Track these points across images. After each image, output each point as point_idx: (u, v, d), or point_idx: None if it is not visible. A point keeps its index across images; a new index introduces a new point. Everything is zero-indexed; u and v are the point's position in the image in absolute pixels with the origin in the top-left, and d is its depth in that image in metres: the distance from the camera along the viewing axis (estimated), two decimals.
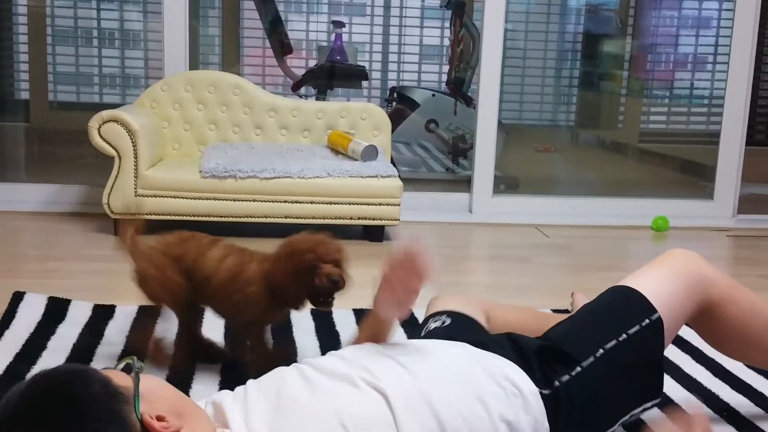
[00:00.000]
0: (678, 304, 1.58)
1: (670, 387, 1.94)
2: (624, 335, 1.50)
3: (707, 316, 1.63)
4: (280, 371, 1.39)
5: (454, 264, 3.23)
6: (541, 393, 1.40)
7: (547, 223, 3.85)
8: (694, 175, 4.87)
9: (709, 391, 1.95)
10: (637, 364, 1.50)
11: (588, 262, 3.27)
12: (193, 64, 3.90)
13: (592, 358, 1.46)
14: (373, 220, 3.36)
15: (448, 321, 1.74)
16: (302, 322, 2.32)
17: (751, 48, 4.05)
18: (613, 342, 1.49)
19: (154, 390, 1.17)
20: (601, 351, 1.47)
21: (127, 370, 1.20)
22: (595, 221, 3.92)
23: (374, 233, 3.42)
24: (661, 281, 1.59)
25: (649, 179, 5.20)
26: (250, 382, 1.37)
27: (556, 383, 1.43)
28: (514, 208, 3.99)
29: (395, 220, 3.37)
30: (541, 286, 2.87)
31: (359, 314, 2.37)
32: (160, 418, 1.13)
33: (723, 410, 1.84)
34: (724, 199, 4.16)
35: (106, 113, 3.23)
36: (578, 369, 1.45)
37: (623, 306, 1.57)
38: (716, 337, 1.68)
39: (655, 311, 1.53)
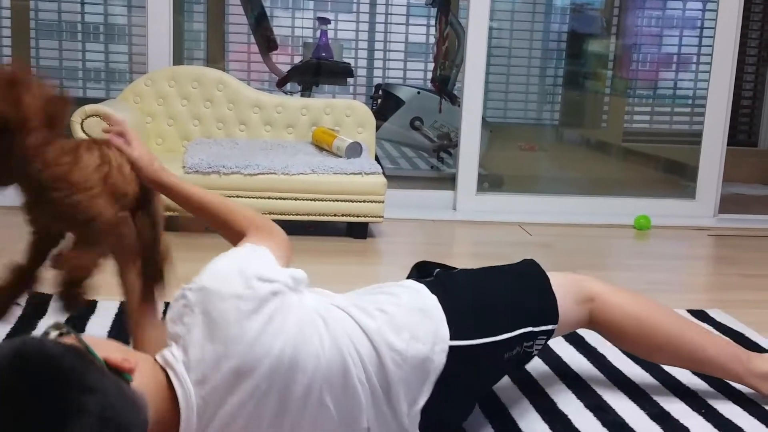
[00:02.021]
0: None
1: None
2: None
3: (595, 325, 1.78)
4: None
5: (437, 260, 3.23)
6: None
7: (531, 221, 3.87)
8: (676, 175, 4.91)
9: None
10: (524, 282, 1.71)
11: (570, 260, 3.29)
12: (178, 59, 3.89)
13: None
14: (357, 217, 3.36)
15: None
16: None
17: (733, 48, 4.08)
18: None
19: (94, 342, 1.17)
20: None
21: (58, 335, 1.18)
22: (578, 220, 3.94)
23: (358, 230, 3.43)
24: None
25: (632, 178, 5.23)
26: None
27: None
28: (498, 206, 4.01)
29: (379, 217, 3.38)
30: None
31: None
32: (124, 360, 1.16)
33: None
34: (705, 199, 4.19)
35: (88, 107, 3.22)
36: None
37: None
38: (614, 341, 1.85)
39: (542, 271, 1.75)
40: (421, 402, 1.44)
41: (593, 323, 1.77)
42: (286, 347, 1.32)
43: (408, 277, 1.75)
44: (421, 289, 1.58)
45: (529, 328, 1.60)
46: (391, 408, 1.41)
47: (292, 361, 1.32)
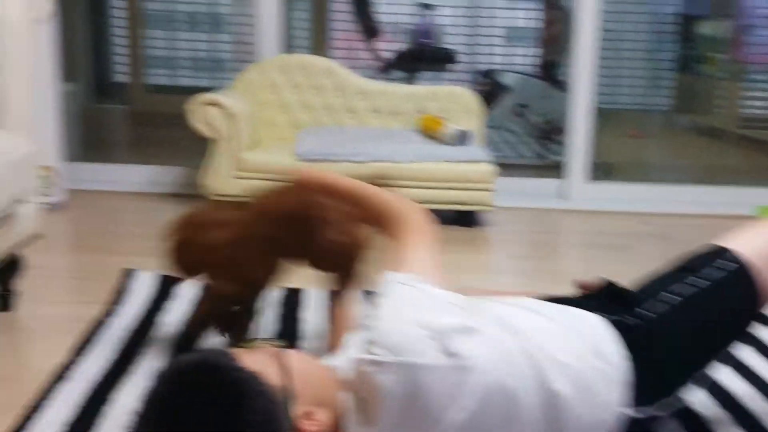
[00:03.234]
0: None
1: None
2: (693, 278, 1.45)
3: None
4: None
5: (548, 250, 3.19)
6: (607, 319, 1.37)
7: (644, 210, 3.76)
8: None
9: None
10: (722, 305, 1.44)
11: (687, 251, 3.18)
12: (284, 48, 3.94)
13: (660, 304, 1.41)
14: (466, 205, 3.34)
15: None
16: None
17: None
18: (680, 285, 1.44)
19: (299, 379, 1.18)
20: (670, 296, 1.42)
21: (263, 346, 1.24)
22: (694, 210, 3.80)
23: (467, 218, 3.41)
24: (756, 235, 1.52)
25: (750, 166, 5.02)
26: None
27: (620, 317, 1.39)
28: (610, 195, 3.92)
29: (488, 205, 3.35)
30: (640, 276, 2.80)
31: None
32: (308, 414, 1.16)
33: None
34: None
35: (205, 97, 3.30)
36: (640, 311, 1.40)
37: (700, 256, 1.52)
38: None
39: (737, 261, 1.46)
40: None
41: None
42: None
43: (586, 302, 1.47)
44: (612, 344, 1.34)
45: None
46: None
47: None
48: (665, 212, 3.76)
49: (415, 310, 1.28)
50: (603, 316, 1.38)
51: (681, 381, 1.40)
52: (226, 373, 1.11)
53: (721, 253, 1.49)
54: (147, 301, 2.27)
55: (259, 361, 1.17)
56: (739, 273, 1.45)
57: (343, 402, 1.24)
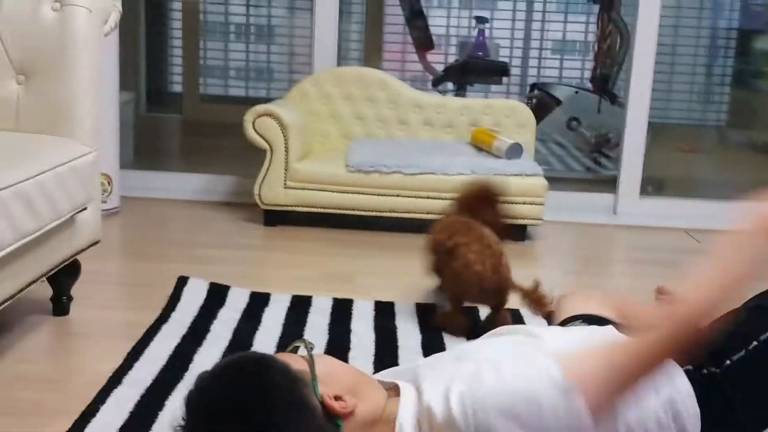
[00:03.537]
0: None
1: None
2: None
3: None
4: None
5: (598, 265, 3.16)
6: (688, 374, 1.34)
7: (697, 227, 3.70)
8: None
9: None
10: None
11: None
12: (337, 60, 3.98)
13: (743, 351, 1.37)
14: (517, 218, 3.32)
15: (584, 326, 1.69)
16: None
17: None
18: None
19: (328, 370, 1.22)
20: (755, 343, 1.37)
21: (294, 351, 1.28)
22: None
23: (517, 232, 3.38)
24: None
25: None
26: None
27: (705, 371, 1.36)
28: (662, 211, 3.86)
29: (539, 219, 3.33)
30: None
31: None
32: (337, 398, 1.18)
33: None
34: None
35: (260, 108, 3.35)
36: (728, 363, 1.36)
37: None
38: None
39: None
40: None
41: None
42: None
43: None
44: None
45: None
46: None
47: None
48: (715, 228, 3.68)
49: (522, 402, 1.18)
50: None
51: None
52: (249, 357, 1.21)
53: None
54: (199, 308, 2.30)
55: (285, 357, 1.22)
56: None
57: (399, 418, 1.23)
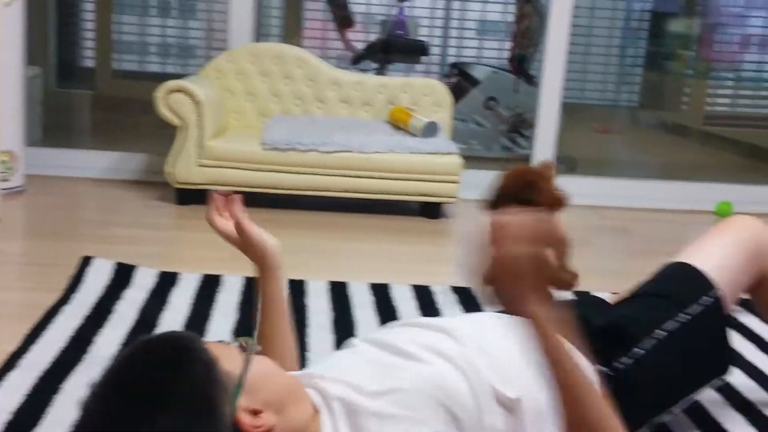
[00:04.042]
0: (738, 275, 1.56)
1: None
2: (684, 315, 1.47)
3: (765, 286, 1.60)
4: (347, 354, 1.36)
5: None
6: (601, 372, 1.37)
7: (606, 204, 3.79)
8: (760, 161, 4.75)
9: None
10: (699, 344, 1.48)
11: (649, 246, 3.22)
12: (255, 36, 3.91)
13: (653, 341, 1.44)
14: (432, 196, 3.35)
15: None
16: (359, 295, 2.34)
17: None
18: (673, 323, 1.46)
19: (260, 377, 1.12)
20: (661, 333, 1.45)
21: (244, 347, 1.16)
22: (655, 204, 3.84)
23: (431, 210, 3.41)
24: (721, 253, 1.58)
25: (713, 163, 5.08)
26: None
27: (616, 365, 1.41)
28: (572, 189, 3.92)
29: (453, 197, 3.36)
30: (600, 270, 2.83)
31: (418, 290, 2.38)
32: (255, 412, 1.08)
33: None
34: None
35: (172, 83, 3.27)
36: (637, 350, 1.42)
37: (682, 284, 1.55)
38: None
39: (714, 288, 1.50)
40: None
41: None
42: None
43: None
44: None
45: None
46: None
47: None
48: (626, 206, 3.80)
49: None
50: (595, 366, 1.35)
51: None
52: (179, 339, 1.09)
53: (706, 288, 1.52)
54: (103, 289, 2.24)
55: (221, 350, 1.11)
56: (714, 307, 1.50)
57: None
